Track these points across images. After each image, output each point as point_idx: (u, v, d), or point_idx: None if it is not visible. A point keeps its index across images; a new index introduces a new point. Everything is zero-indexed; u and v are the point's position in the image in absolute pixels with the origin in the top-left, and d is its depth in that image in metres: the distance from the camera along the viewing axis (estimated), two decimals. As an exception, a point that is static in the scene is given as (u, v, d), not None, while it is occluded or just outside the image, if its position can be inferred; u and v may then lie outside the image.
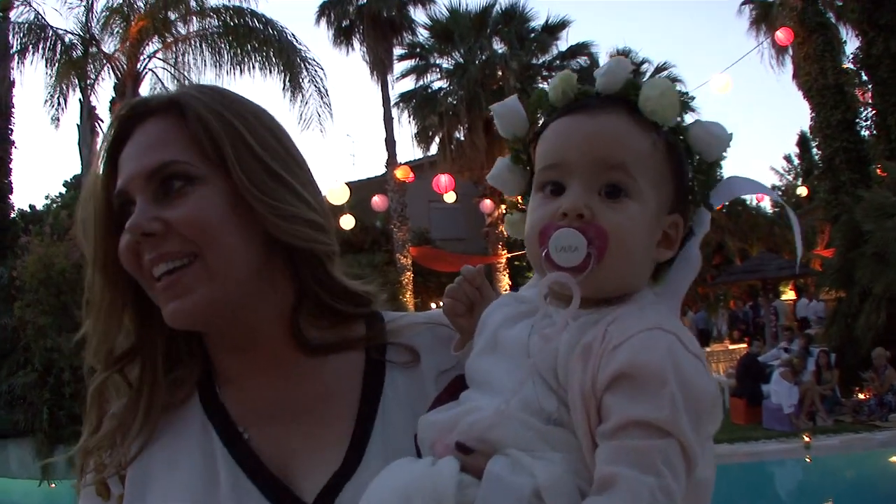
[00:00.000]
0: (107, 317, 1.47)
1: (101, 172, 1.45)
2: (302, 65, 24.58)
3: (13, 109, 27.18)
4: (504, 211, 1.49)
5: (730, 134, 1.33)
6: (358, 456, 1.41)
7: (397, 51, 31.96)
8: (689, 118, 1.35)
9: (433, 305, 27.00)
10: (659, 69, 39.65)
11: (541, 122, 1.40)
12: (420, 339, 1.57)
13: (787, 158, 52.75)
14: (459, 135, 31.05)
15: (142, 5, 23.37)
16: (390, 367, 1.54)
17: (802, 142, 47.43)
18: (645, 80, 1.31)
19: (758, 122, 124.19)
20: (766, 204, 38.25)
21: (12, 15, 23.36)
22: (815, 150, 31.56)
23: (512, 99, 1.44)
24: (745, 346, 21.94)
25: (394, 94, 31.64)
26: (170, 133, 1.41)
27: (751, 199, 42.05)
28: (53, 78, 23.42)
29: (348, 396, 1.49)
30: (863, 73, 25.23)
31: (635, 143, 1.27)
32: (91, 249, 1.45)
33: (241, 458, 1.44)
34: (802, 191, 37.17)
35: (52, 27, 23.27)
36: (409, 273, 29.38)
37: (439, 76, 33.01)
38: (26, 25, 23.12)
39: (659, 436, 1.08)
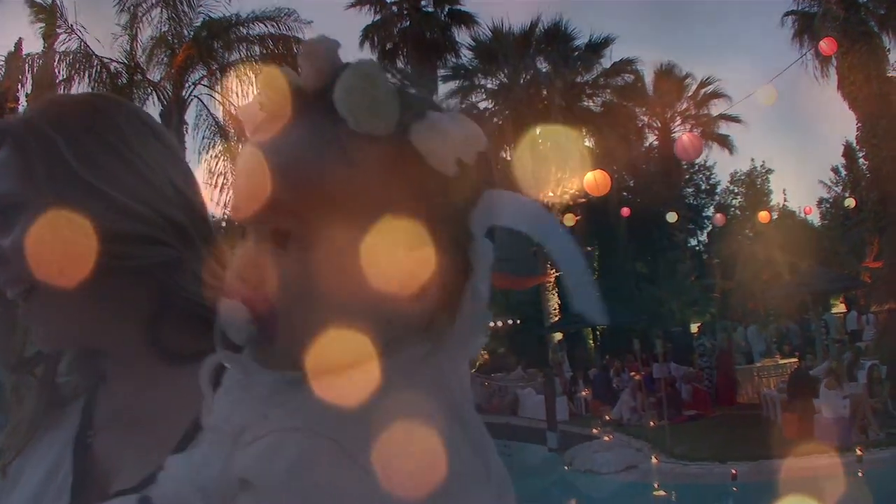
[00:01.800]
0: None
1: None
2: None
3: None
4: None
5: (474, 131, 0.89)
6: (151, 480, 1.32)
7: (441, 72, 32.23)
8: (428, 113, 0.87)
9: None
10: (703, 83, 39.65)
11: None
12: None
13: (835, 170, 51.82)
14: (506, 154, 31.17)
15: (186, 33, 23.89)
16: None
17: (849, 152, 46.81)
18: (346, 70, 0.86)
19: (804, 134, 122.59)
20: (815, 217, 37.78)
21: (56, 44, 23.57)
22: (861, 161, 31.24)
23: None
24: (795, 360, 21.73)
25: (439, 115, 31.75)
26: (5, 162, 1.38)
27: (800, 211, 41.66)
28: (100, 106, 23.62)
29: (188, 415, 1.33)
30: (908, 82, 24.96)
31: (315, 170, 0.86)
32: None
33: (76, 461, 1.41)
34: (850, 202, 36.73)
35: (96, 56, 23.59)
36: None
37: (484, 96, 33.37)
38: (71, 55, 23.38)
39: None
